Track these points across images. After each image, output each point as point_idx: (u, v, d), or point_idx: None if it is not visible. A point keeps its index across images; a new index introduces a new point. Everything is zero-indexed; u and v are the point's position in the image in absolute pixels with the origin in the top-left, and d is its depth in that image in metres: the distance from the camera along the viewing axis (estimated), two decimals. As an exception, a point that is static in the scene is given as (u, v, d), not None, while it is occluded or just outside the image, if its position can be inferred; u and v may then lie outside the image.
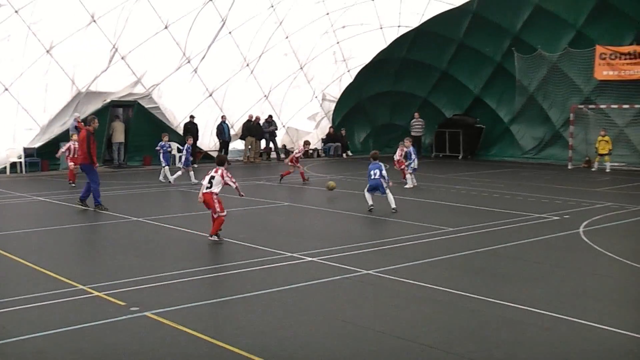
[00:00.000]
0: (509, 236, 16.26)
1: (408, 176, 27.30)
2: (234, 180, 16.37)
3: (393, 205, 20.16)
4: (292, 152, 31.80)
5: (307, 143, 32.23)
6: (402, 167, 28.03)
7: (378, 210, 19.94)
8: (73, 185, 26.75)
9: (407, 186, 26.80)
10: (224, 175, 16.23)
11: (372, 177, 20.33)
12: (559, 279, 12.35)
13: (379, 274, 12.37)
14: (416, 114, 43.56)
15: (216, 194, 16.11)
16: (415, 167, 27.64)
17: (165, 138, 29.56)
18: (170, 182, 27.92)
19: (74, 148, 27.01)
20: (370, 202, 20.32)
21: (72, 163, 27.28)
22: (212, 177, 16.15)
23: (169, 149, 29.38)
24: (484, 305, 10.51)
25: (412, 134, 43.17)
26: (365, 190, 20.67)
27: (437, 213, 20.18)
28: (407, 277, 12.12)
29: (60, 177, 30.59)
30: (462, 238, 16.11)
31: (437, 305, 10.54)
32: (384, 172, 20.38)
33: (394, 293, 11.21)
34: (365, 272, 12.53)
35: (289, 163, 29.21)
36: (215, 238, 15.86)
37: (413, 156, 27.52)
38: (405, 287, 11.57)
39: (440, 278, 12.07)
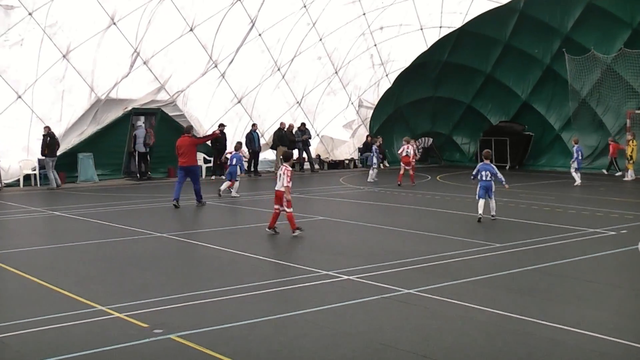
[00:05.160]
0: (560, 253, 16.11)
1: (576, 175, 31.56)
2: (290, 181, 18.39)
3: (493, 212, 21.14)
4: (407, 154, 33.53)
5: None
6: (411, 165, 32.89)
7: (417, 224, 19.84)
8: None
9: (576, 184, 31.17)
10: (286, 172, 18.43)
11: (484, 178, 21.07)
12: (616, 300, 12.22)
13: (421, 294, 12.30)
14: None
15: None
16: (577, 166, 31.80)
17: (240, 148, 30.08)
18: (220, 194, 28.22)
19: None
20: (480, 211, 20.92)
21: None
22: (280, 175, 18.57)
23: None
24: (533, 327, 10.40)
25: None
26: (477, 196, 21.31)
27: (483, 228, 20.06)
28: (450, 296, 12.05)
29: (77, 190, 30.84)
30: (509, 255, 15.99)
31: (482, 327, 10.45)
32: (499, 174, 21.20)
33: (436, 314, 11.15)
34: (406, 291, 12.47)
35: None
36: (272, 232, 18.67)
37: (580, 156, 31.77)
38: (449, 307, 11.49)
39: (486, 298, 11.98)
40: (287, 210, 18.37)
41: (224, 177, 34.94)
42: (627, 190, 30.03)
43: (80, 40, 32.76)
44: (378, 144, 36.71)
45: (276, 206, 18.70)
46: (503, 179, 21.42)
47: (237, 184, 28.52)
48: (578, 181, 31.40)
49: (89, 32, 32.84)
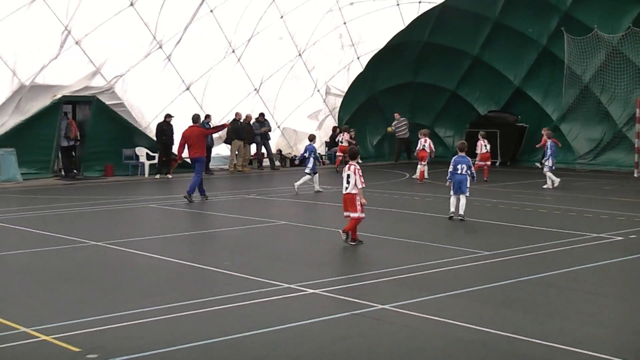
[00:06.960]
0: (559, 261, 16.20)
1: (549, 174, 30.48)
2: (362, 180, 18.05)
3: (462, 212, 21.78)
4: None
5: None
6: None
7: (393, 230, 19.84)
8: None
9: (545, 186, 30.36)
10: (356, 171, 18.03)
11: (459, 172, 22.00)
12: (623, 315, 12.30)
13: (397, 309, 12.32)
14: (396, 114, 43.86)
15: (356, 194, 17.98)
16: (551, 164, 30.65)
17: (314, 139, 32.17)
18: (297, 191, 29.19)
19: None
20: (452, 209, 22.00)
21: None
22: (349, 176, 18.01)
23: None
24: (527, 347, 10.44)
25: (398, 136, 43.77)
26: (452, 191, 22.20)
27: (470, 233, 20.15)
28: (432, 312, 12.08)
29: (2, 192, 30.61)
30: (500, 264, 16.06)
31: (469, 347, 10.48)
32: (472, 168, 22.34)
33: (415, 333, 11.17)
34: (380, 306, 12.49)
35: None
36: (356, 242, 18.02)
37: (550, 152, 30.71)
38: (430, 325, 11.52)
39: (473, 314, 12.02)
40: (359, 214, 18.02)
41: (169, 177, 35.14)
42: (636, 189, 30.21)
43: (1, 16, 32.43)
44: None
45: (346, 213, 18.20)
46: (474, 175, 22.69)
47: (316, 177, 30.05)
48: (550, 183, 30.44)
49: (11, 6, 32.43)
